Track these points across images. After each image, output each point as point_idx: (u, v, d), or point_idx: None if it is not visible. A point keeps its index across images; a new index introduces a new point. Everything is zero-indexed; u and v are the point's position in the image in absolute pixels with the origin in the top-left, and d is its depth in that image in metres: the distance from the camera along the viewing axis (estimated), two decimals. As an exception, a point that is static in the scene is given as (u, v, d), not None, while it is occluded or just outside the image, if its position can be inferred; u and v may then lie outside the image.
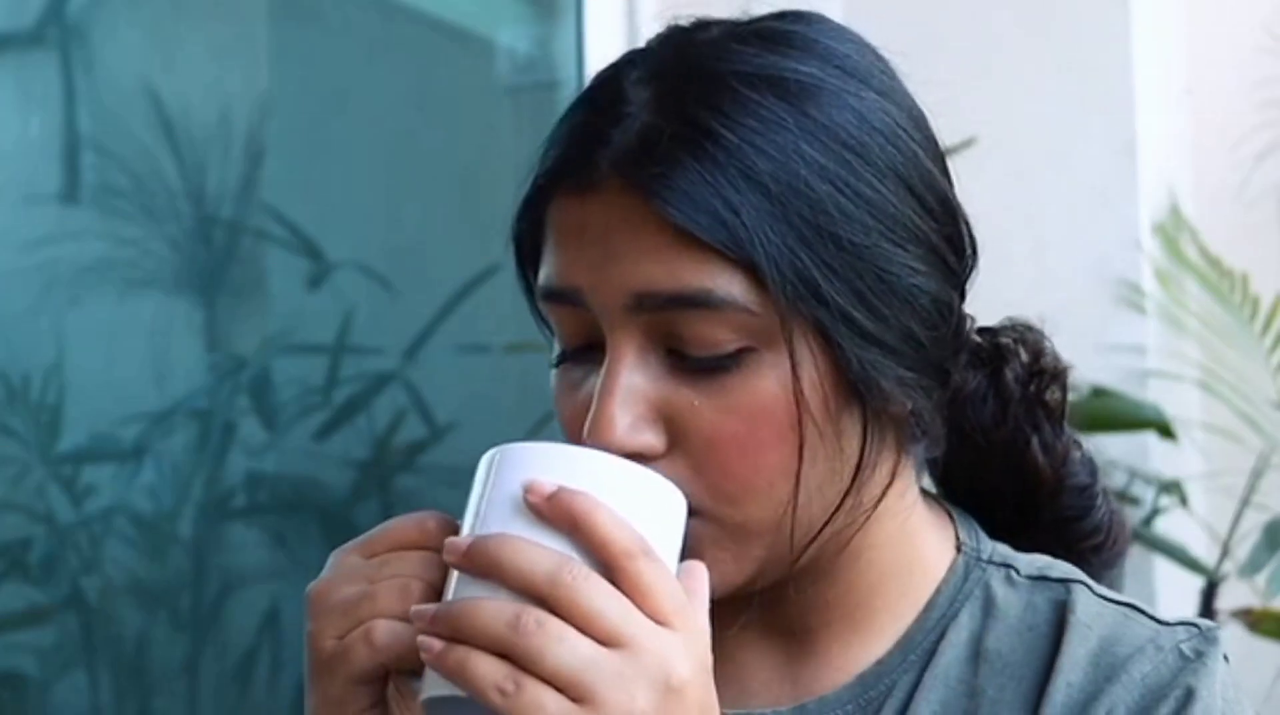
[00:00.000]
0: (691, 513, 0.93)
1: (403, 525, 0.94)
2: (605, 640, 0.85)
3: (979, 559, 1.05)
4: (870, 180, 0.95)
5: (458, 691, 0.87)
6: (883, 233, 0.95)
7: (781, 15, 1.01)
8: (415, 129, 2.74)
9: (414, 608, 0.89)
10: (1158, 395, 2.87)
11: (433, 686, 0.88)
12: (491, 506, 0.90)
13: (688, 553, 0.93)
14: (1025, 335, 1.08)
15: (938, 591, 1.03)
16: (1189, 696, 0.98)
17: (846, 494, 0.97)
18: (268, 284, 2.62)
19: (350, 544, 0.95)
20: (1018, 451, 1.07)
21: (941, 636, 1.02)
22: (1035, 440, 1.07)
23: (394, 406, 2.64)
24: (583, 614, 0.85)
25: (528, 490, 0.89)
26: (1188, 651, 0.99)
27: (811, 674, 1.03)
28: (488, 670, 0.85)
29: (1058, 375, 1.08)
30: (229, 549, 2.54)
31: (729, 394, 0.94)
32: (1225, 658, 1.01)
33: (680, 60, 0.97)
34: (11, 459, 2.27)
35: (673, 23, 1.01)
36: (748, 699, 1.04)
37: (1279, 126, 3.12)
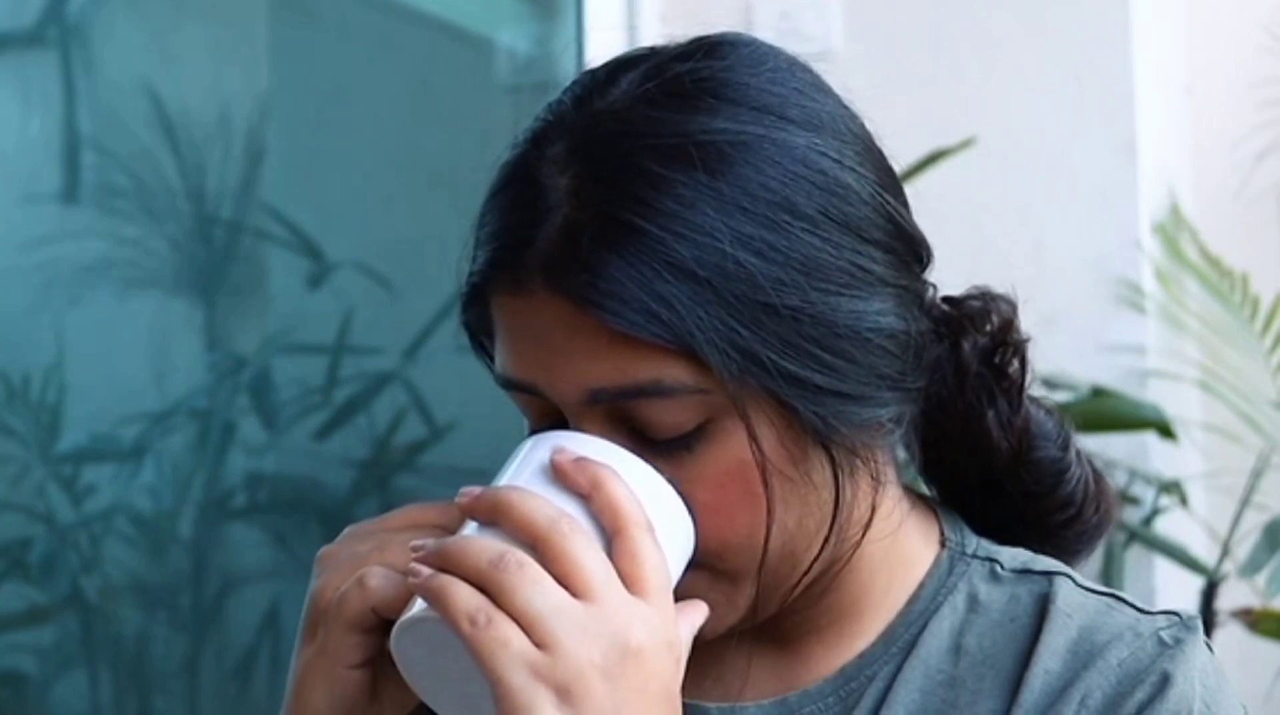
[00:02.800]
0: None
1: (423, 506, 0.97)
2: (578, 592, 0.88)
3: (963, 554, 1.05)
4: (800, 236, 0.94)
5: (432, 614, 0.89)
6: (821, 287, 0.94)
7: (696, 49, 0.98)
8: (415, 129, 2.74)
9: (413, 541, 0.92)
10: (1158, 395, 2.87)
11: (409, 610, 0.91)
12: (517, 469, 0.94)
13: (682, 595, 0.95)
14: (991, 303, 1.07)
15: (921, 586, 1.04)
16: (1165, 682, 0.97)
17: (829, 536, 0.98)
18: (268, 284, 2.62)
19: (367, 520, 0.98)
20: (973, 426, 1.06)
21: (923, 629, 1.03)
22: (991, 414, 1.06)
23: (394, 406, 2.65)
24: (566, 564, 0.89)
25: (556, 452, 0.93)
26: (1166, 639, 0.99)
27: (797, 670, 1.04)
28: (465, 599, 0.88)
29: (1019, 347, 1.07)
30: (229, 549, 2.54)
31: (695, 466, 0.95)
32: (1209, 648, 1.01)
33: (592, 138, 0.96)
34: (11, 459, 2.27)
35: (586, 70, 1.00)
36: (732, 693, 1.05)
37: (1279, 126, 3.12)
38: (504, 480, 0.94)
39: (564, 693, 0.87)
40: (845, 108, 1.00)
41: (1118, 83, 2.89)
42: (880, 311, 0.96)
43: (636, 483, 0.93)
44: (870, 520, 1.00)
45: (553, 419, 0.97)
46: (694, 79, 0.96)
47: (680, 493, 0.95)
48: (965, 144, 2.61)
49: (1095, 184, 2.88)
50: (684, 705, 0.92)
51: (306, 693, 0.96)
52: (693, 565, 0.96)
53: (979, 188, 2.74)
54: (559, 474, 0.92)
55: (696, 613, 0.94)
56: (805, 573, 0.99)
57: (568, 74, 2.67)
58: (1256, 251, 3.10)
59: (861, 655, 1.03)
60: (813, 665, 1.04)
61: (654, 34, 1.01)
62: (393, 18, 2.78)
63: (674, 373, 0.93)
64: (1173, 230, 2.98)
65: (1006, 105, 2.89)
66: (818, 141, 0.96)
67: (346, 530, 0.98)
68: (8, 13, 2.35)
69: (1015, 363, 1.07)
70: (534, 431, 1.00)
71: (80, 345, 2.35)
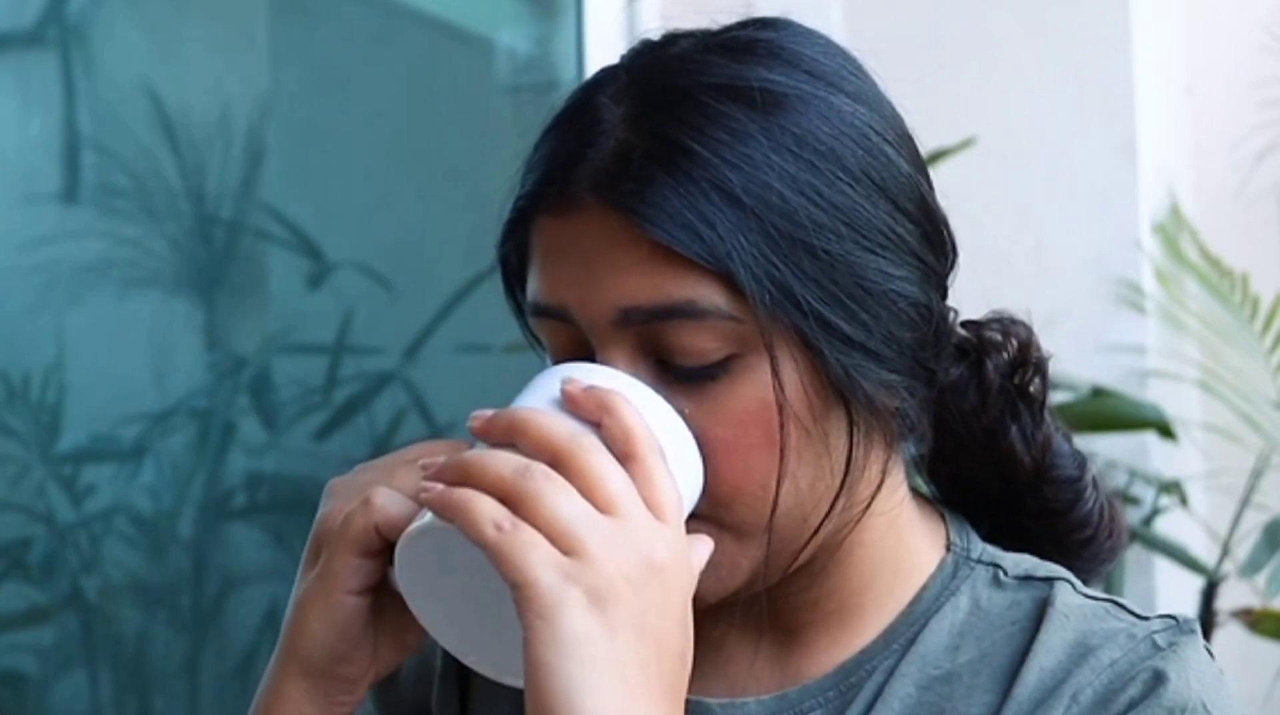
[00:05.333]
0: (690, 516, 0.95)
1: (434, 443, 0.98)
2: (602, 506, 0.88)
3: (968, 558, 1.06)
4: (842, 187, 0.96)
5: (447, 525, 0.88)
6: (857, 240, 0.96)
7: (749, 24, 1.02)
8: (415, 129, 2.75)
9: (423, 460, 0.92)
10: (1158, 395, 2.88)
11: (419, 520, 0.90)
12: (527, 398, 0.94)
13: None
14: (1010, 327, 1.09)
15: (924, 588, 1.05)
16: (1157, 679, 0.98)
17: (838, 495, 0.98)
18: (268, 284, 2.62)
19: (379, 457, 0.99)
20: (997, 441, 1.08)
21: (924, 627, 1.03)
22: (1014, 430, 1.07)
23: (394, 406, 2.65)
24: (589, 478, 0.89)
25: (566, 381, 0.93)
26: (1160, 641, 1.00)
27: (799, 665, 1.05)
28: (487, 507, 0.87)
29: (1040, 367, 1.09)
30: (229, 549, 2.54)
31: (717, 400, 0.96)
32: (1209, 653, 1.01)
33: (650, 75, 0.99)
34: (11, 459, 2.27)
35: (643, 38, 1.02)
36: (737, 690, 1.05)
37: (1279, 126, 3.12)
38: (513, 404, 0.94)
39: (595, 596, 0.86)
40: (885, 98, 1.02)
41: (1118, 83, 2.89)
42: (906, 278, 0.98)
43: (648, 412, 0.93)
44: (879, 488, 1.01)
45: (576, 354, 0.98)
46: (751, 39, 1.00)
47: (699, 428, 0.96)
48: (965, 144, 2.61)
49: (1095, 184, 2.88)
50: (686, 701, 0.92)
51: (303, 618, 0.96)
52: (700, 516, 0.96)
53: (979, 188, 2.73)
54: (569, 402, 0.93)
55: (704, 546, 0.94)
56: (812, 536, 0.99)
57: (568, 74, 2.68)
58: (1256, 251, 3.11)
59: (862, 651, 1.03)
60: (814, 661, 1.04)
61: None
62: (393, 18, 2.78)
63: (708, 296, 0.94)
64: (1173, 230, 2.99)
65: (1006, 105, 2.89)
66: (863, 112, 0.99)
67: (357, 466, 0.99)
68: (8, 13, 2.35)
69: (1036, 380, 1.08)
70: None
71: (80, 345, 2.35)
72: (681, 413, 0.96)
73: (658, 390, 0.96)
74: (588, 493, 0.88)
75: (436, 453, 0.96)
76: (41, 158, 2.31)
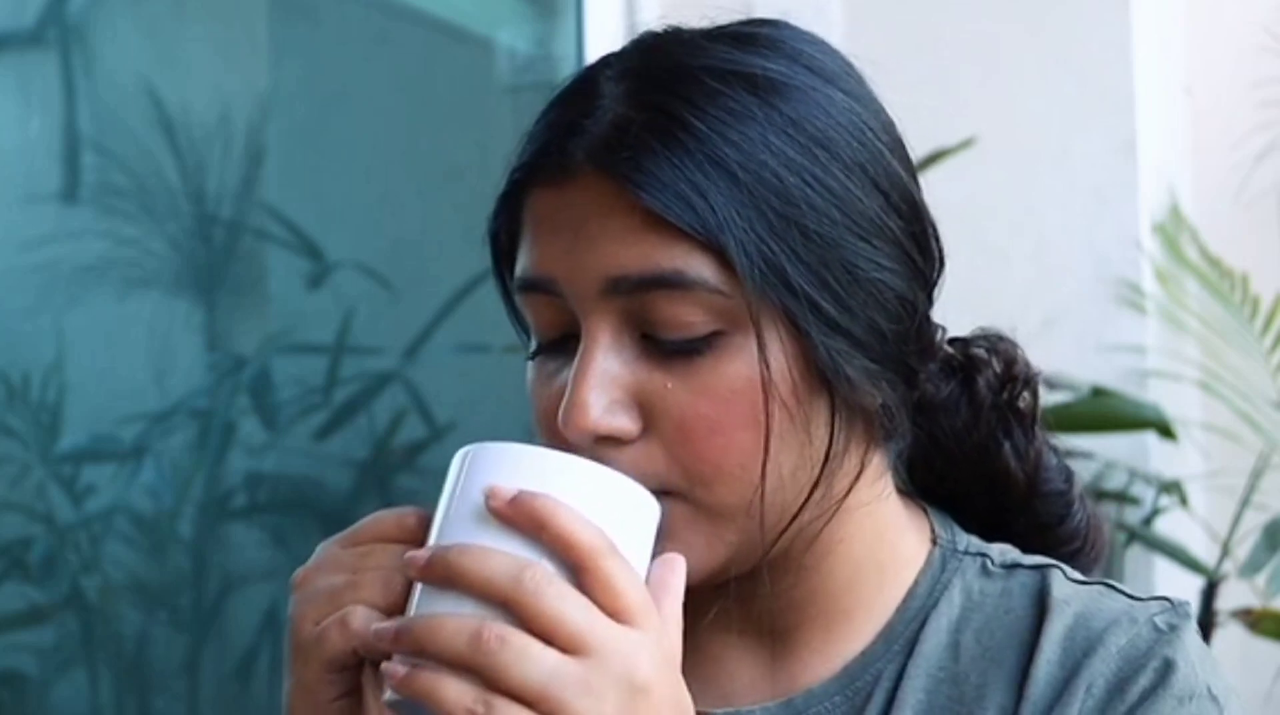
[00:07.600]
0: (666, 494, 0.95)
1: (383, 520, 0.95)
2: (568, 647, 0.85)
3: (955, 550, 1.06)
4: (837, 174, 0.97)
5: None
6: (848, 226, 0.97)
7: (751, 22, 1.03)
8: (415, 129, 2.75)
9: (374, 627, 0.89)
10: (1158, 395, 2.87)
11: (396, 691, 0.89)
12: (454, 515, 0.90)
13: (662, 533, 0.93)
14: (997, 345, 1.10)
15: (915, 584, 1.05)
16: (1167, 667, 0.99)
17: (817, 483, 0.98)
18: (268, 284, 2.62)
19: (335, 536, 0.96)
20: (990, 457, 1.09)
21: (922, 625, 1.03)
22: (1007, 446, 1.08)
23: (394, 406, 2.65)
24: (546, 620, 0.85)
25: (489, 496, 0.89)
26: (1161, 624, 1.01)
27: (794, 670, 1.04)
28: (457, 694, 0.85)
29: (1029, 382, 1.09)
30: (229, 549, 2.55)
31: (700, 376, 0.95)
32: (1200, 634, 1.02)
33: (653, 58, 1.00)
34: (11, 459, 2.27)
35: (647, 29, 1.04)
36: (732, 699, 1.05)
37: (1279, 126, 3.12)
38: (442, 524, 0.91)
39: None
40: (880, 103, 1.03)
41: (1118, 83, 2.89)
42: (894, 271, 0.98)
43: (579, 489, 0.90)
44: (856, 481, 1.01)
45: (561, 331, 0.98)
46: (753, 33, 1.01)
47: (681, 405, 0.95)
48: (965, 144, 2.61)
49: (1095, 184, 2.88)
50: None
51: None
52: (677, 495, 0.96)
53: (979, 188, 2.74)
54: (499, 520, 0.89)
55: (675, 575, 0.92)
56: (788, 525, 0.99)
57: (568, 74, 2.68)
58: (1256, 251, 3.11)
59: (864, 654, 1.03)
60: (812, 665, 1.04)
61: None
62: (393, 18, 2.78)
63: (697, 267, 0.94)
64: (1173, 230, 2.98)
65: (1006, 105, 2.89)
66: (860, 110, 1.00)
67: (319, 549, 0.96)
68: (8, 13, 2.35)
69: (1026, 395, 1.09)
70: (536, 351, 1.00)
71: (80, 345, 2.35)
72: (664, 388, 0.95)
73: (641, 365, 0.96)
74: (549, 637, 0.85)
75: (388, 531, 0.94)
76: (41, 158, 2.31)
